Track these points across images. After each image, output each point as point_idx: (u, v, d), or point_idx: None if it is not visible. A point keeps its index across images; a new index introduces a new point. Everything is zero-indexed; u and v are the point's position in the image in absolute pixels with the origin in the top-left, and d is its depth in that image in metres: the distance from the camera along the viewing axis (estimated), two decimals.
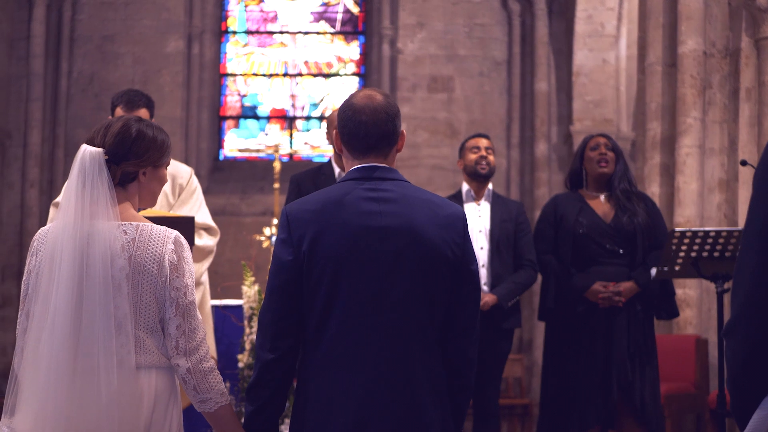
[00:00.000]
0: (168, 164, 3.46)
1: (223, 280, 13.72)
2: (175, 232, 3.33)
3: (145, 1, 14.09)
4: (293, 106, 14.64)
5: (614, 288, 6.20)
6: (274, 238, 8.28)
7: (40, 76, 13.50)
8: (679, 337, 8.72)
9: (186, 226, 5.01)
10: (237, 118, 14.65)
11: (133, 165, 3.33)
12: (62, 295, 3.13)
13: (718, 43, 8.82)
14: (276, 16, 14.82)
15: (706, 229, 5.66)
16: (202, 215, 5.81)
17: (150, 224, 3.32)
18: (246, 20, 14.81)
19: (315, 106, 14.64)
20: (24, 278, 3.35)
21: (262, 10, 14.84)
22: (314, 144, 14.52)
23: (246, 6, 14.82)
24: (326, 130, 6.37)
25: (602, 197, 6.46)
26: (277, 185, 9.51)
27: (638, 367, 6.21)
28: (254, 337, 7.24)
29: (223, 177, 14.20)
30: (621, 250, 6.31)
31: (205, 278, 5.91)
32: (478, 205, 6.73)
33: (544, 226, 6.55)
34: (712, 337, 8.63)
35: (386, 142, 3.42)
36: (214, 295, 6.81)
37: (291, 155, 14.36)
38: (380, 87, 14.16)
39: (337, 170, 6.23)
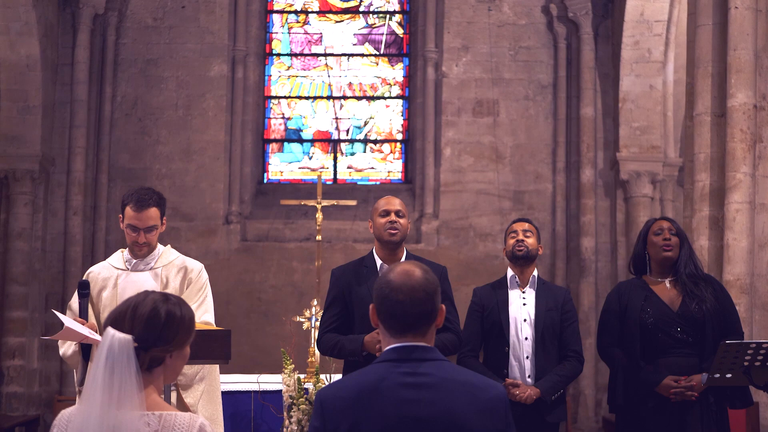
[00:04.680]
0: (192, 340, 3.34)
1: (266, 306, 13.77)
2: (199, 421, 3.19)
3: (188, 25, 14.08)
4: (337, 128, 14.56)
5: (686, 383, 6.00)
6: (314, 320, 8.13)
7: (84, 102, 13.54)
8: None
9: (222, 340, 4.95)
10: (281, 141, 14.59)
11: (161, 350, 3.20)
12: None
13: None
14: (320, 38, 14.74)
15: (759, 341, 5.48)
16: (207, 315, 5.70)
17: (173, 413, 3.18)
18: (290, 43, 14.75)
19: (359, 129, 14.56)
20: None
21: (306, 33, 14.75)
22: (358, 167, 14.43)
23: (290, 29, 14.76)
24: (370, 217, 6.15)
25: (667, 282, 6.24)
26: (319, 237, 9.38)
27: None
28: (294, 427, 7.16)
29: (267, 201, 14.15)
30: (690, 339, 6.10)
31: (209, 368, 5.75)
32: (523, 292, 6.54)
33: (609, 317, 6.33)
34: (763, 399, 8.45)
35: (424, 321, 3.29)
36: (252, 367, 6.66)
37: (335, 178, 14.33)
38: (425, 110, 14.11)
39: (379, 262, 5.98)
